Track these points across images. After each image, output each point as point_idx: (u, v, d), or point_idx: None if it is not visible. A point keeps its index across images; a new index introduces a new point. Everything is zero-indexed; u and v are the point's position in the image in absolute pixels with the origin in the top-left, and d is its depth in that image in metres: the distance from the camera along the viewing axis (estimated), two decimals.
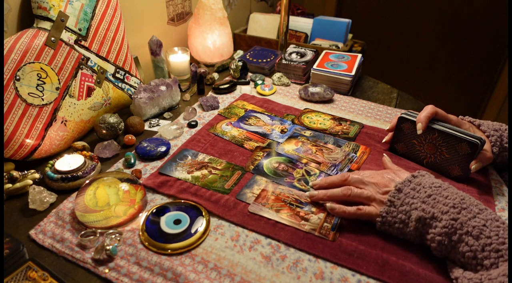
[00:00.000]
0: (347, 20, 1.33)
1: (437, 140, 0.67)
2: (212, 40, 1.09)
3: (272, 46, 1.30)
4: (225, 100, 0.95)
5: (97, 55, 0.78)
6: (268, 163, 0.71)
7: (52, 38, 0.70)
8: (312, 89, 0.95)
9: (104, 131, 0.75)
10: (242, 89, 1.01)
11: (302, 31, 1.39)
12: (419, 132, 0.66)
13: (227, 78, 1.06)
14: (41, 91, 0.69)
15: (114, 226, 0.55)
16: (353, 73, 0.97)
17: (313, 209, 0.59)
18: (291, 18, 1.39)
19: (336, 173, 0.68)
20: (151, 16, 1.06)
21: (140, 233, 0.55)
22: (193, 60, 1.17)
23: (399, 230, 0.53)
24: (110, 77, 0.82)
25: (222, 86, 0.98)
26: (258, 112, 0.89)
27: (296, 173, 0.68)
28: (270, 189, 0.64)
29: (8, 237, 0.50)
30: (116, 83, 0.84)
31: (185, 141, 0.78)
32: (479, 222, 0.46)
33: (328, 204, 0.58)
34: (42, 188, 0.61)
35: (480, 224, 0.46)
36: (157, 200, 0.62)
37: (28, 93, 0.67)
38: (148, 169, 0.69)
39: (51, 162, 0.67)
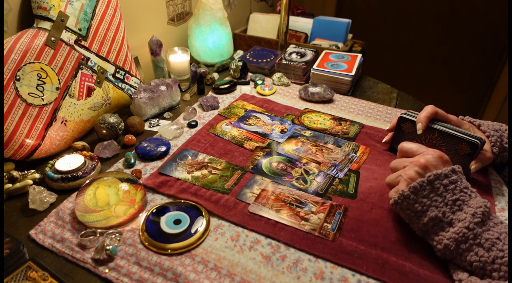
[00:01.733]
0: (347, 20, 1.33)
1: (437, 140, 0.67)
2: (212, 40, 1.09)
3: (272, 46, 1.30)
4: (225, 100, 0.95)
5: (97, 55, 0.78)
6: (267, 162, 0.71)
7: (52, 38, 0.70)
8: (312, 89, 0.95)
9: (104, 131, 0.75)
10: (242, 89, 1.01)
11: (302, 31, 1.39)
12: (419, 132, 0.66)
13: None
14: (41, 91, 0.69)
15: (114, 226, 0.55)
16: (353, 73, 0.97)
17: (313, 209, 0.59)
18: (291, 18, 1.39)
19: (336, 173, 0.68)
20: (151, 16, 1.06)
21: (140, 233, 0.55)
22: (193, 60, 1.17)
23: (408, 217, 0.52)
24: (110, 77, 0.82)
25: (222, 86, 0.98)
26: (258, 112, 0.89)
27: (295, 172, 0.68)
28: (270, 189, 0.64)
29: (8, 237, 0.50)
30: (116, 83, 0.84)
31: (185, 141, 0.78)
32: (493, 235, 0.46)
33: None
34: (42, 188, 0.61)
35: (493, 237, 0.45)
36: (157, 200, 0.62)
37: (28, 93, 0.67)
38: (148, 169, 0.69)
39: (51, 162, 0.67)
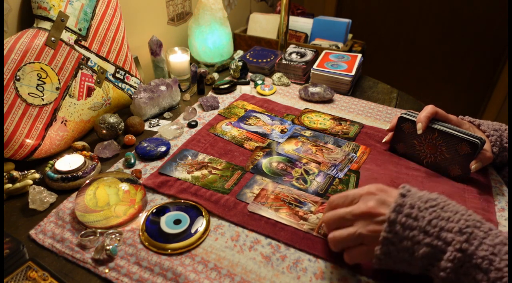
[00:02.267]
0: (347, 20, 1.33)
1: (437, 140, 0.67)
2: (212, 40, 1.09)
3: (272, 46, 1.30)
4: (225, 100, 0.95)
5: (97, 55, 0.78)
6: (267, 162, 0.71)
7: (52, 38, 0.70)
8: (312, 89, 0.95)
9: (104, 131, 0.75)
10: (242, 89, 1.01)
11: (302, 31, 1.39)
12: (419, 132, 0.66)
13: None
14: (41, 91, 0.69)
15: (114, 226, 0.55)
16: (353, 73, 0.97)
17: (312, 209, 0.59)
18: (291, 18, 1.39)
19: (336, 173, 0.68)
20: (151, 16, 1.06)
21: (140, 233, 0.55)
22: (193, 60, 1.17)
23: (401, 268, 0.44)
24: (110, 77, 0.82)
25: (222, 86, 0.98)
26: (258, 112, 0.89)
27: (295, 172, 0.68)
28: (270, 188, 0.64)
29: (8, 237, 0.50)
30: (116, 83, 0.84)
31: (185, 141, 0.78)
32: (487, 250, 0.39)
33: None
34: (42, 188, 0.61)
35: (488, 253, 0.39)
36: (157, 200, 0.62)
37: (28, 93, 0.67)
38: (148, 169, 0.69)
39: (51, 162, 0.67)
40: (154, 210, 0.59)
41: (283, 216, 0.58)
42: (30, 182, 0.62)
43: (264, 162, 0.71)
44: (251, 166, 0.69)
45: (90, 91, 0.78)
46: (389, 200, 0.44)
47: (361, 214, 0.44)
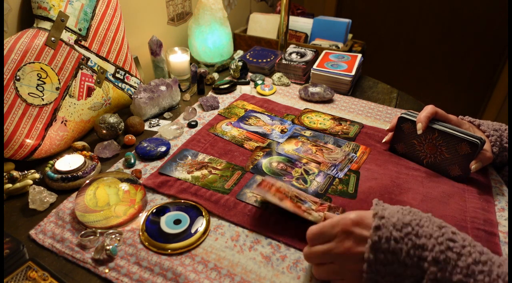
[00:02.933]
0: (347, 20, 1.33)
1: (437, 140, 0.67)
2: (212, 40, 1.09)
3: (272, 46, 1.30)
4: (225, 100, 0.95)
5: (97, 55, 0.78)
6: (267, 162, 0.71)
7: (52, 38, 0.70)
8: (312, 89, 0.95)
9: (104, 131, 0.75)
10: (242, 89, 1.01)
11: (302, 31, 1.39)
12: (419, 132, 0.66)
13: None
14: (41, 91, 0.69)
15: (114, 226, 0.55)
16: (353, 73, 0.97)
17: (313, 207, 0.59)
18: (291, 18, 1.39)
19: (336, 173, 0.68)
20: (151, 16, 1.06)
21: (140, 233, 0.55)
22: (193, 60, 1.17)
23: None
24: (110, 77, 0.82)
25: (222, 86, 0.98)
26: (258, 112, 0.89)
27: (295, 172, 0.68)
28: (270, 181, 0.63)
29: (8, 237, 0.50)
30: (116, 83, 0.84)
31: (185, 141, 0.78)
32: (461, 272, 0.39)
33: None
34: (42, 188, 0.61)
35: (462, 276, 0.39)
36: (157, 200, 0.62)
37: (28, 93, 0.67)
38: (148, 169, 0.69)
39: (51, 162, 0.67)
40: (154, 210, 0.59)
41: (288, 206, 0.56)
42: (30, 182, 0.62)
43: (264, 162, 0.71)
44: (251, 166, 0.69)
45: (90, 91, 0.78)
46: (366, 235, 0.43)
47: (340, 255, 0.43)
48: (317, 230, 0.45)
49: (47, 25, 0.69)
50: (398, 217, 0.43)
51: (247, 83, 1.03)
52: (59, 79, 0.72)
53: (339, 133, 0.81)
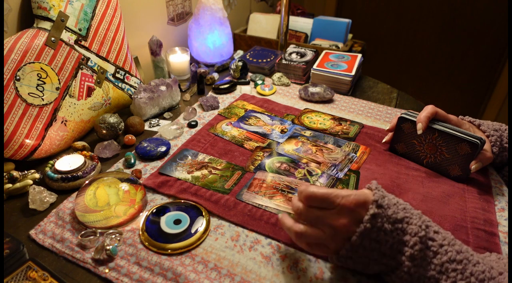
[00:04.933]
0: (347, 20, 1.33)
1: (437, 140, 0.67)
2: (212, 40, 1.09)
3: (272, 46, 1.30)
4: (225, 100, 0.95)
5: (97, 55, 0.78)
6: (270, 162, 0.71)
7: (52, 38, 0.70)
8: (312, 89, 0.95)
9: (104, 131, 0.75)
10: (242, 89, 1.01)
11: (302, 31, 1.39)
12: (419, 132, 0.66)
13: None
14: (41, 91, 0.69)
15: (114, 226, 0.55)
16: (353, 73, 0.97)
17: None
18: (291, 18, 1.39)
19: (336, 173, 0.68)
20: (151, 16, 1.06)
21: (140, 233, 0.55)
22: (193, 60, 1.17)
23: (356, 269, 0.47)
24: (110, 77, 0.82)
25: (222, 86, 0.98)
26: (258, 112, 0.89)
27: (298, 173, 0.68)
28: (261, 177, 0.65)
29: (8, 237, 0.50)
30: (116, 83, 0.84)
31: (185, 141, 0.78)
32: (434, 269, 0.42)
33: (280, 216, 0.50)
34: (42, 188, 0.61)
35: (435, 273, 0.42)
36: (157, 200, 0.62)
37: (28, 93, 0.67)
38: (148, 169, 0.69)
39: (51, 162, 0.67)
40: (154, 210, 0.59)
41: (277, 203, 0.60)
42: (30, 182, 0.62)
43: (268, 162, 0.71)
44: (253, 167, 0.69)
45: (90, 91, 0.78)
46: (362, 218, 0.44)
47: (332, 225, 0.44)
48: (321, 195, 0.45)
49: (47, 25, 0.69)
50: (394, 211, 0.44)
51: (247, 83, 1.03)
52: (59, 79, 0.72)
53: (339, 133, 0.81)
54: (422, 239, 0.43)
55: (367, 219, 0.43)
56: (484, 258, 0.44)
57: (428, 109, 0.67)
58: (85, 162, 0.67)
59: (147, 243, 0.53)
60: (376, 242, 0.43)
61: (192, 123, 0.83)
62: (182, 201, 0.61)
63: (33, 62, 0.67)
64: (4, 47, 0.63)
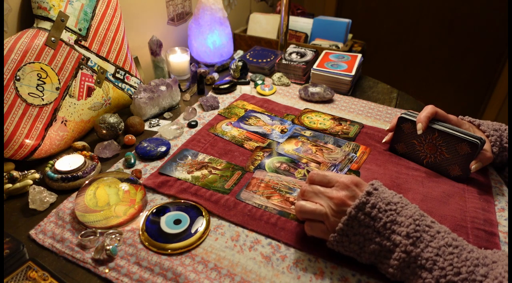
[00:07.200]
0: (347, 20, 1.33)
1: (437, 140, 0.67)
2: (212, 40, 1.09)
3: (272, 46, 1.30)
4: (225, 100, 0.95)
5: (97, 55, 0.78)
6: (270, 162, 0.71)
7: (52, 38, 0.70)
8: (312, 89, 0.95)
9: (104, 131, 0.75)
10: (242, 89, 1.01)
11: (302, 31, 1.39)
12: (419, 132, 0.66)
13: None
14: (41, 91, 0.69)
15: (114, 226, 0.55)
16: (353, 73, 0.97)
17: None
18: (291, 18, 1.39)
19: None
20: (151, 16, 1.06)
21: (140, 233, 0.55)
22: (193, 60, 1.17)
23: (351, 255, 0.49)
24: (110, 77, 0.82)
25: (222, 86, 0.98)
26: (258, 112, 0.89)
27: (298, 173, 0.68)
28: (259, 177, 0.65)
29: (8, 237, 0.50)
30: (116, 83, 0.84)
31: (185, 141, 0.78)
32: (432, 251, 0.44)
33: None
34: (42, 188, 0.61)
35: (433, 255, 0.43)
36: (157, 200, 0.62)
37: (28, 93, 0.67)
38: (148, 169, 0.69)
39: (51, 162, 0.67)
40: (154, 210, 0.59)
41: (275, 203, 0.60)
42: (30, 182, 0.62)
43: (267, 162, 0.71)
44: (253, 167, 0.69)
45: (90, 91, 0.78)
46: (358, 194, 0.48)
47: (332, 199, 0.49)
48: (323, 173, 0.52)
49: (47, 25, 0.69)
50: (389, 195, 0.49)
51: (247, 83, 1.03)
52: (59, 79, 0.72)
53: (339, 133, 0.81)
54: (417, 223, 0.45)
55: (363, 195, 0.47)
56: (478, 249, 0.46)
57: (428, 109, 0.67)
58: (85, 162, 0.67)
59: (147, 243, 0.53)
60: (371, 218, 0.46)
61: (192, 123, 0.83)
62: (182, 201, 0.61)
63: (33, 62, 0.67)
64: (4, 47, 0.63)
